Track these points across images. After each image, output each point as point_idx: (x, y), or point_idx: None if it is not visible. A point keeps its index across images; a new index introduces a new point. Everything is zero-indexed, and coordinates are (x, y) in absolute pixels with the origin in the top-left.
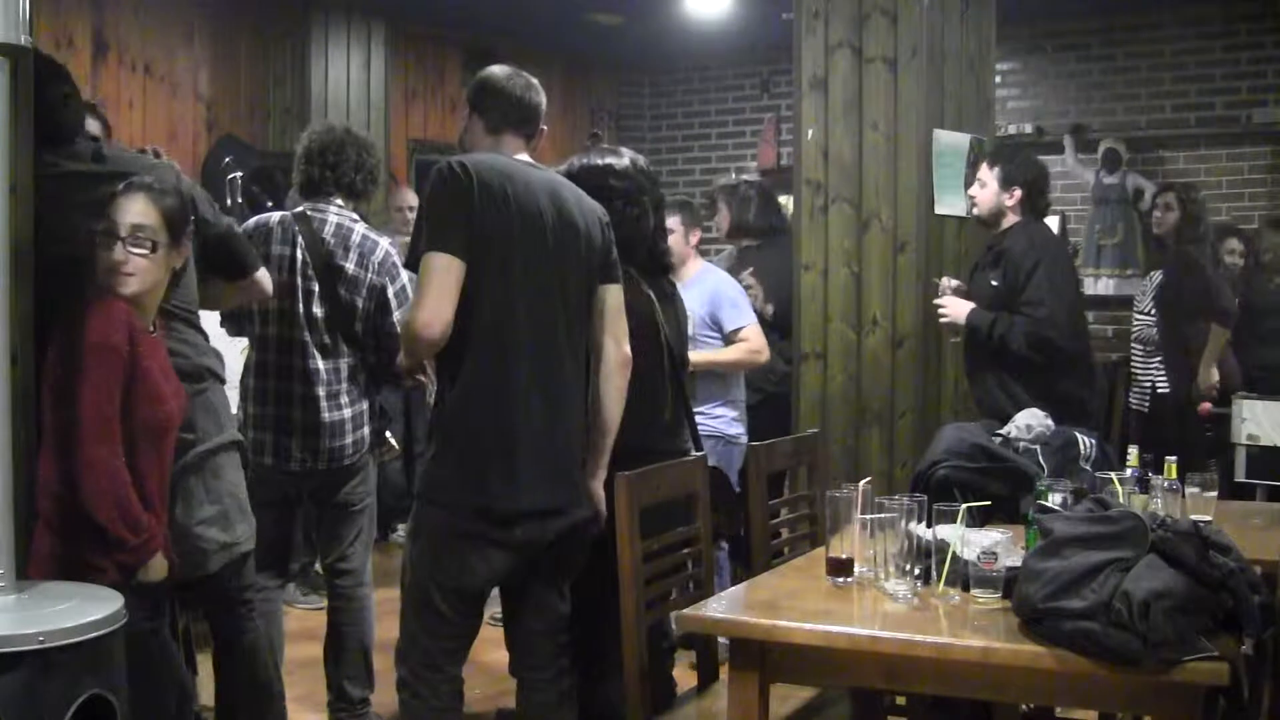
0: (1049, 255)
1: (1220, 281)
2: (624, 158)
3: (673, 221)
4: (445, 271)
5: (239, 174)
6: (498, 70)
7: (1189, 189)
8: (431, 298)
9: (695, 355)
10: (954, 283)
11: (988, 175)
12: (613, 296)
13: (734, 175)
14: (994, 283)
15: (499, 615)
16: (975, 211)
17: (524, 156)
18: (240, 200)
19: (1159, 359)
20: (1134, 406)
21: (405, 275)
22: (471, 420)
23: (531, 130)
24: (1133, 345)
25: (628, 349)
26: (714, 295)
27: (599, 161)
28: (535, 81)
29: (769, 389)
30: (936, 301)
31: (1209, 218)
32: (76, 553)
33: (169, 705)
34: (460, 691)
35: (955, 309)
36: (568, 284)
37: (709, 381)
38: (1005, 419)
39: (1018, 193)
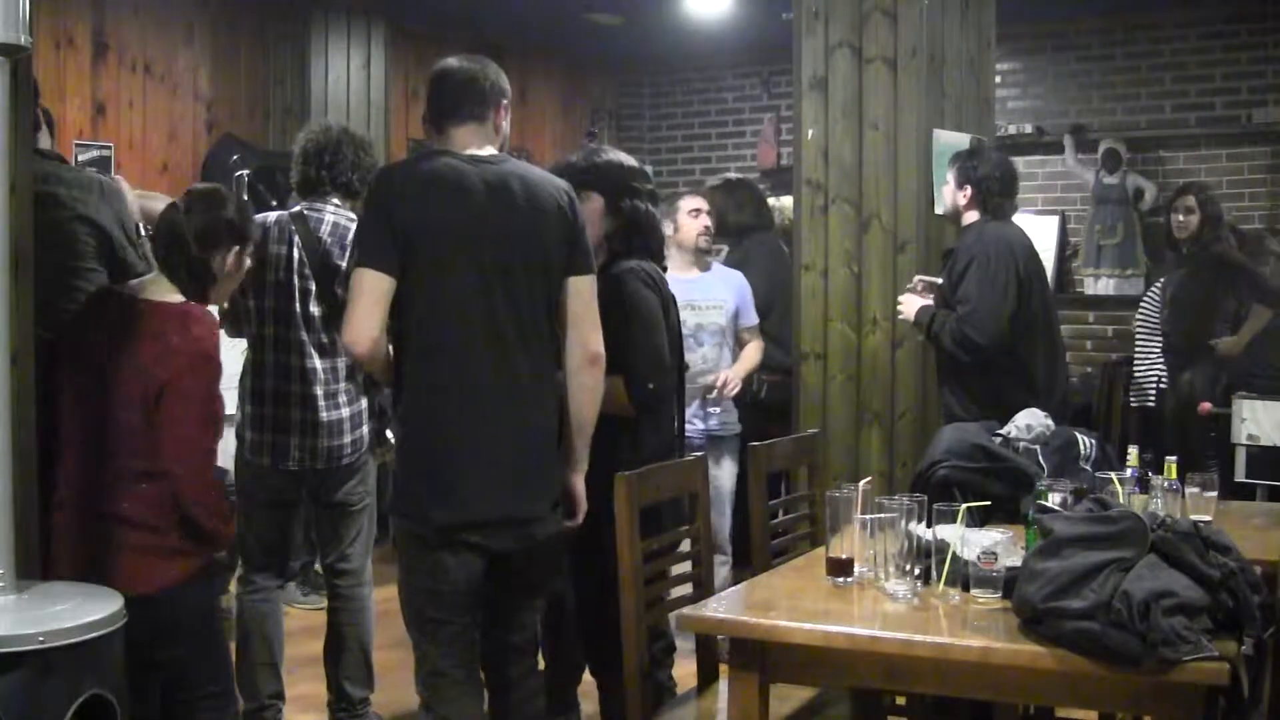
0: (985, 255)
1: (1257, 266)
2: (630, 158)
3: (701, 204)
4: (370, 288)
5: (245, 171)
6: (438, 64)
7: (1204, 189)
8: (356, 315)
9: (737, 370)
10: (925, 279)
11: (949, 175)
12: (580, 289)
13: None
14: (939, 281)
15: None
16: (940, 212)
17: (476, 149)
18: (246, 198)
19: (1162, 358)
20: (1134, 405)
21: None
22: (416, 430)
23: (477, 112)
24: (1139, 345)
25: (597, 345)
26: (743, 291)
27: (620, 160)
28: (481, 64)
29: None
30: (899, 299)
31: (1225, 217)
32: (169, 544)
33: (230, 667)
34: (477, 698)
35: (908, 306)
36: (517, 281)
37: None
38: (951, 419)
39: (969, 190)
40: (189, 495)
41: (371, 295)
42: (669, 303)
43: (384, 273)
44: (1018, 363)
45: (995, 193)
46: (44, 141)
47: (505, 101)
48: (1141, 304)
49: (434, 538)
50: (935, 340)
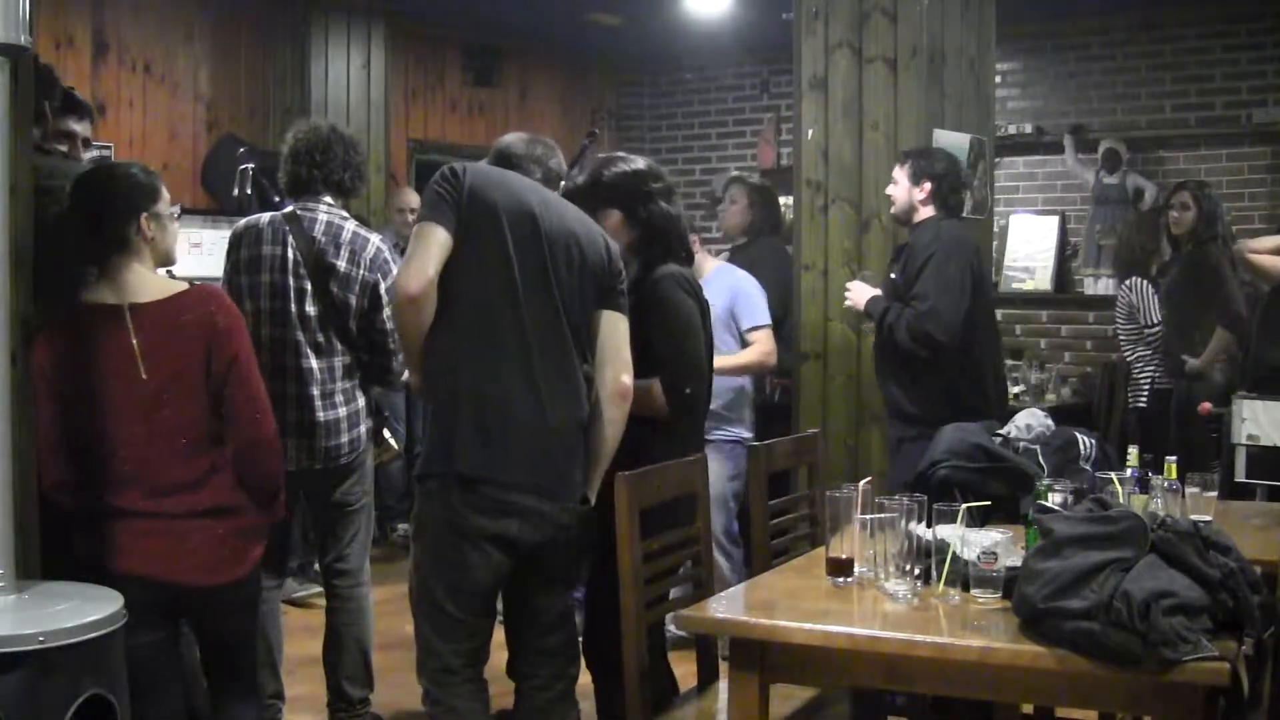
0: (944, 251)
1: (1236, 286)
2: (641, 161)
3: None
4: (430, 237)
5: (250, 165)
6: (500, 140)
7: (1202, 186)
8: (416, 258)
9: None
10: (868, 273)
11: (900, 173)
12: (613, 325)
13: (734, 171)
14: (893, 275)
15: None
16: (892, 210)
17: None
18: (250, 192)
19: (1153, 358)
20: (1132, 404)
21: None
22: (452, 391)
23: (529, 172)
24: (1125, 348)
25: (626, 379)
26: (734, 290)
27: (629, 168)
28: (540, 144)
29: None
30: (847, 285)
31: (1225, 216)
32: (247, 524)
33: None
34: (485, 695)
35: (858, 293)
36: (562, 285)
37: (731, 385)
38: (903, 416)
39: (927, 185)
40: (270, 454)
41: (429, 243)
42: (705, 309)
43: (446, 229)
44: (971, 361)
45: (952, 188)
46: (84, 130)
47: (563, 185)
48: (1116, 306)
49: (466, 524)
50: (888, 332)
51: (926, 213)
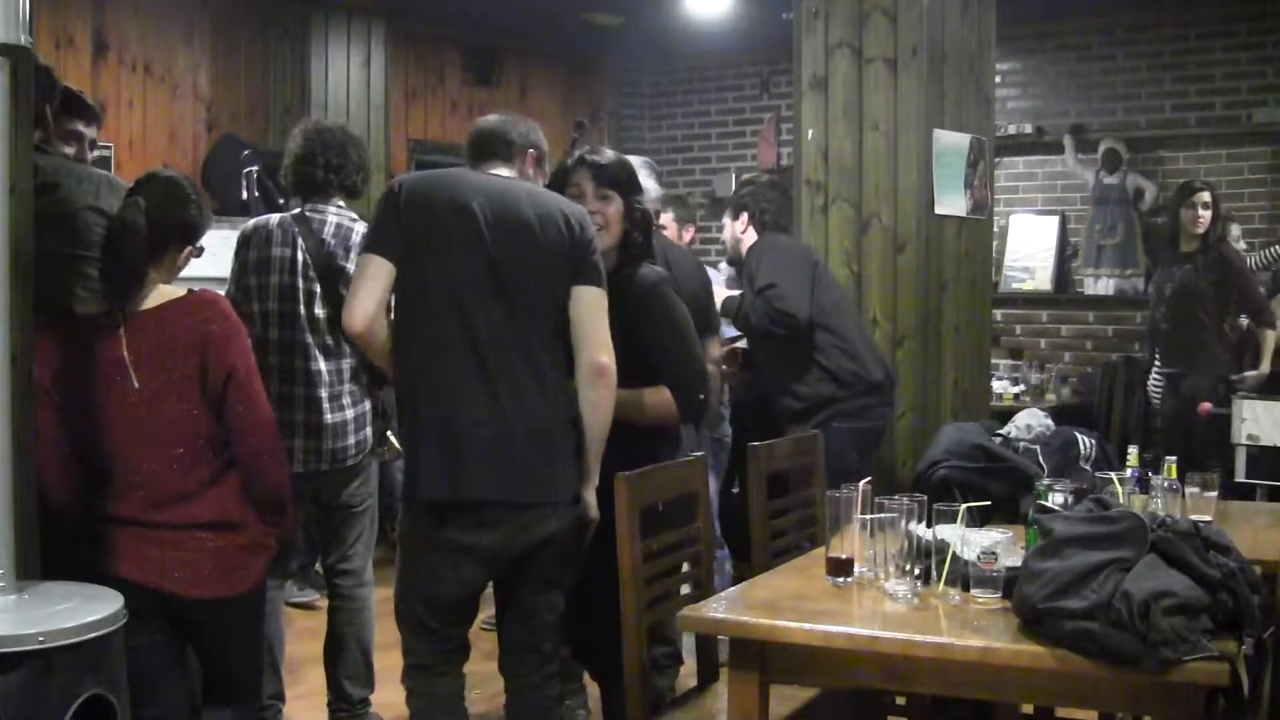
0: (773, 251)
1: (1257, 285)
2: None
3: (664, 218)
4: (371, 271)
5: (255, 168)
6: (477, 120)
7: (1214, 187)
8: (357, 295)
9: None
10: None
11: (725, 220)
12: (585, 303)
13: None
14: (741, 292)
15: (491, 620)
16: (729, 255)
17: (498, 170)
18: (256, 194)
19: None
20: (1154, 403)
21: None
22: (413, 413)
23: (503, 154)
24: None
25: (603, 358)
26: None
27: (627, 159)
28: (514, 119)
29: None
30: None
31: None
32: (252, 539)
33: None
34: (459, 690)
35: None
36: (518, 281)
37: None
38: (795, 415)
39: (744, 216)
40: (272, 468)
41: (367, 276)
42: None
43: (384, 257)
44: (838, 337)
45: (771, 212)
46: (91, 132)
47: (533, 153)
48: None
49: (437, 536)
50: (744, 320)
51: (750, 239)
